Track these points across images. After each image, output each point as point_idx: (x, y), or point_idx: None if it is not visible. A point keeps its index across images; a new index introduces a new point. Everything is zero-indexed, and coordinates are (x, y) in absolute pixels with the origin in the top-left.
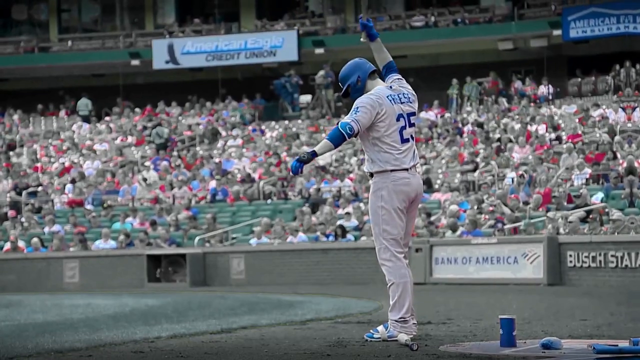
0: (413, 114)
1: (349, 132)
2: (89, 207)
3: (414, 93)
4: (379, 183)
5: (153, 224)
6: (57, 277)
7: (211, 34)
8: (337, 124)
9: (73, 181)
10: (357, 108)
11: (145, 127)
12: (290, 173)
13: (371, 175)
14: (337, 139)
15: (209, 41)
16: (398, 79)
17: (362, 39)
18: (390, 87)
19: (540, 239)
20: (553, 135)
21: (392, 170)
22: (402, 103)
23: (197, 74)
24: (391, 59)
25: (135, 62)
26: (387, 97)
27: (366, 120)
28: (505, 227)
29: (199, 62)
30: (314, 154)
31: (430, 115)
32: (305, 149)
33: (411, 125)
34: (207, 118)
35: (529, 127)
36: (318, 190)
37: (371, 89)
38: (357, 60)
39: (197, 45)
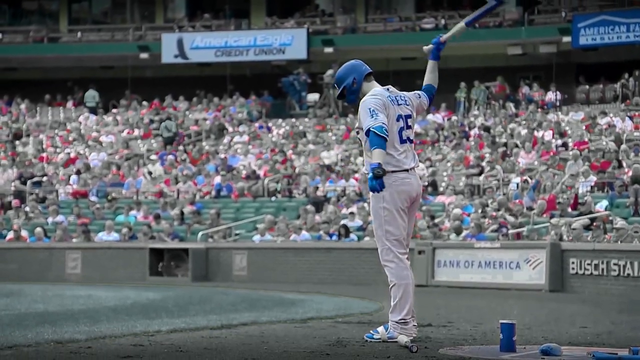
0: (410, 116)
1: (386, 133)
2: (93, 198)
3: (410, 97)
4: None
5: (157, 217)
6: (59, 268)
7: (221, 29)
8: (368, 131)
9: (78, 172)
10: (373, 110)
11: (152, 121)
12: (371, 193)
13: None
14: (384, 143)
15: (219, 37)
16: (415, 93)
17: (424, 48)
18: (388, 89)
19: (543, 245)
20: (559, 142)
21: (393, 171)
22: (399, 105)
23: (205, 69)
24: (436, 85)
25: (144, 56)
26: (387, 97)
27: (386, 120)
28: (509, 232)
29: (208, 58)
30: (380, 165)
31: (438, 117)
32: (311, 147)
33: (409, 127)
34: (214, 113)
35: (535, 132)
36: (316, 189)
37: (367, 91)
38: (354, 62)
39: (206, 40)
